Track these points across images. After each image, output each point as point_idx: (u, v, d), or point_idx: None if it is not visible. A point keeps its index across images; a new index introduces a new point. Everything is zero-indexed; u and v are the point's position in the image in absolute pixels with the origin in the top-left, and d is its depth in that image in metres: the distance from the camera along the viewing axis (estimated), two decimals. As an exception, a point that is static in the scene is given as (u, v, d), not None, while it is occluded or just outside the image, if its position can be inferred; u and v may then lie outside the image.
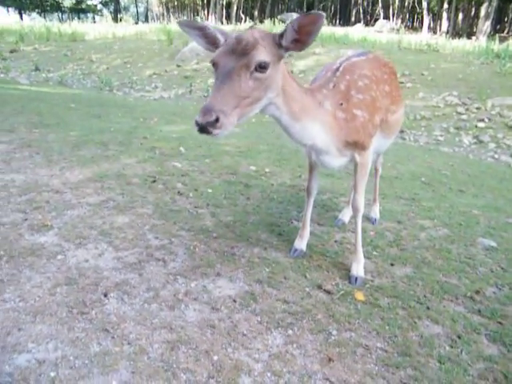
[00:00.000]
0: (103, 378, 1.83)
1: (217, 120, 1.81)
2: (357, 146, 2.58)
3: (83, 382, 1.80)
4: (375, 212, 3.80)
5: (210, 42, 2.11)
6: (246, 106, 1.97)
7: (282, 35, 1.98)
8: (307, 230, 3.13)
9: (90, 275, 2.57)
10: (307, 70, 14.98)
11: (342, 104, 2.47)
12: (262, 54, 1.93)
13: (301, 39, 1.97)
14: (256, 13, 44.58)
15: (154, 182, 4.23)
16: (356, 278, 2.75)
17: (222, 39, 2.05)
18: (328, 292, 2.62)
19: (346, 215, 3.70)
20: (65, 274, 2.56)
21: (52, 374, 1.83)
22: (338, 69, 2.57)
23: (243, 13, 42.38)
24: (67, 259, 2.73)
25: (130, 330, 2.14)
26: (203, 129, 1.82)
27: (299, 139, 2.40)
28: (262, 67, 1.94)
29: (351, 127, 2.49)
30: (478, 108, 11.45)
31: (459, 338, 2.28)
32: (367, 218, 3.78)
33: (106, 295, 2.40)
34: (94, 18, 52.11)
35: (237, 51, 1.91)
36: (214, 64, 1.98)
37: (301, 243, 3.09)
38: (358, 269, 2.79)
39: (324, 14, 1.87)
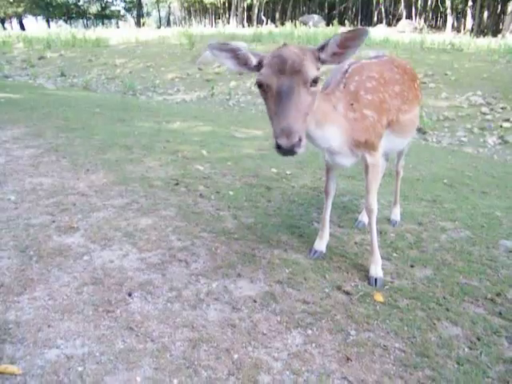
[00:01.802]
0: (128, 374, 1.91)
1: (300, 139, 1.85)
2: (367, 145, 2.62)
3: (109, 377, 1.88)
4: (396, 214, 3.80)
5: (241, 62, 2.14)
6: (308, 119, 2.04)
7: (320, 49, 2.04)
8: (327, 232, 3.16)
9: (115, 275, 2.66)
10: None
11: (352, 104, 2.51)
12: (313, 70, 1.97)
13: (340, 53, 2.04)
14: (277, 15, 44.67)
15: (177, 184, 4.32)
16: (375, 279, 2.77)
17: (254, 60, 2.09)
18: (347, 293, 2.65)
19: (365, 217, 3.71)
20: (91, 274, 2.65)
21: (80, 369, 1.92)
22: (347, 70, 2.63)
23: (264, 15, 42.57)
24: (93, 260, 2.83)
25: (153, 329, 2.21)
26: (288, 151, 1.85)
27: (320, 144, 2.46)
28: (315, 81, 1.99)
29: (362, 127, 2.54)
30: (503, 108, 11.22)
31: (479, 339, 2.27)
32: (388, 220, 3.79)
33: (130, 295, 2.48)
34: (117, 23, 53.29)
35: (287, 71, 1.92)
36: (263, 85, 1.99)
37: (320, 245, 3.12)
38: (377, 270, 2.81)
39: (369, 29, 1.95)
